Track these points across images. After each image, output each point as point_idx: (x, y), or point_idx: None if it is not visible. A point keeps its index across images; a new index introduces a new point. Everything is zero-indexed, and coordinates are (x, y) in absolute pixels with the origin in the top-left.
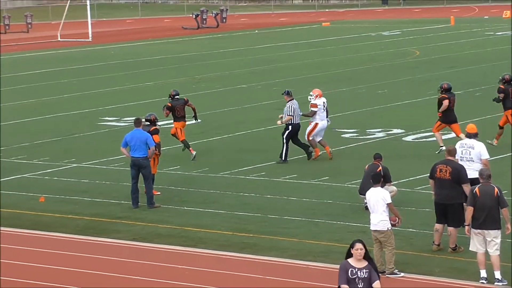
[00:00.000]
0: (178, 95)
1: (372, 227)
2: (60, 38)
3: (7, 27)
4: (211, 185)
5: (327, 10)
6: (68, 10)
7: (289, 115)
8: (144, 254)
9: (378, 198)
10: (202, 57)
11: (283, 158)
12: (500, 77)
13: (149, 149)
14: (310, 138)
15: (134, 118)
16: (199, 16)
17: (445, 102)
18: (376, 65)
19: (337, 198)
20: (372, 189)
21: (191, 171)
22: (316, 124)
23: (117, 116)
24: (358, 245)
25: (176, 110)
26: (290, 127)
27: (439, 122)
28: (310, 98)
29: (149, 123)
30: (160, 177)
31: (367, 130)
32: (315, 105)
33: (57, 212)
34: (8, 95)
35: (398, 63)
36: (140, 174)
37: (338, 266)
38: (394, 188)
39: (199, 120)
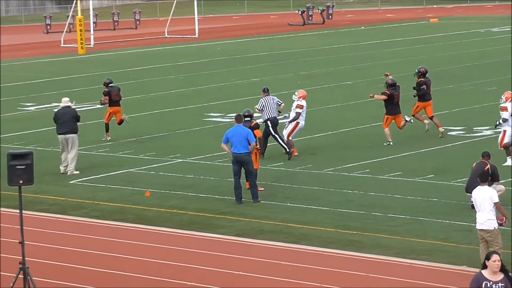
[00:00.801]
0: (111, 83)
1: (478, 226)
2: (168, 35)
3: (116, 23)
4: (315, 182)
5: (435, 6)
6: (176, 6)
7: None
8: (247, 249)
9: (485, 197)
10: (308, 54)
11: (287, 150)
12: (416, 70)
13: (250, 144)
14: (290, 138)
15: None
16: (305, 12)
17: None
18: (485, 61)
19: (442, 196)
20: (478, 187)
21: (295, 167)
22: (297, 123)
23: (222, 112)
24: (495, 257)
25: (112, 95)
26: (268, 122)
27: (386, 116)
28: (294, 98)
29: (249, 119)
30: (264, 173)
31: (474, 128)
32: (301, 106)
33: (162, 207)
34: None
35: (508, 60)
36: (243, 170)
37: (443, 265)
38: (502, 187)
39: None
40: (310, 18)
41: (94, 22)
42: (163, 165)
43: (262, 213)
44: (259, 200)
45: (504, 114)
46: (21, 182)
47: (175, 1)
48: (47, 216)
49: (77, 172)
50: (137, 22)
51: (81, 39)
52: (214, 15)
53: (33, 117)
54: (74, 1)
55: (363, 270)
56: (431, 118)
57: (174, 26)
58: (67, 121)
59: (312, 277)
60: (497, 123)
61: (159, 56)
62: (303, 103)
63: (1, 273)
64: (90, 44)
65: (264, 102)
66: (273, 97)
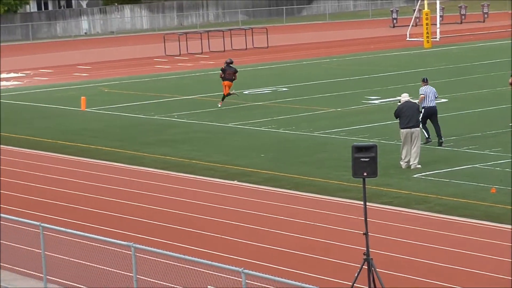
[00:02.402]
0: (231, 63)
1: None
2: None
3: (463, 17)
4: None
5: None
6: None
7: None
8: None
9: None
10: None
11: (426, 136)
12: None
13: None
14: None
15: None
16: None
17: None
18: None
19: None
20: None
21: None
22: None
23: None
24: None
25: (226, 73)
26: (422, 110)
27: None
28: None
29: None
30: None
31: None
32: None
33: (508, 204)
34: (458, 85)
35: None
36: None
37: None
38: None
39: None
40: None
41: (440, 16)
42: (510, 162)
43: None
44: None
45: None
46: (365, 174)
47: None
48: (390, 209)
49: (419, 166)
50: (485, 16)
51: (427, 33)
52: None
53: (377, 110)
54: None
55: None
56: None
57: None
58: (412, 115)
59: None
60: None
61: (507, 50)
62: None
63: (346, 263)
64: (435, 38)
65: (424, 91)
66: (432, 87)
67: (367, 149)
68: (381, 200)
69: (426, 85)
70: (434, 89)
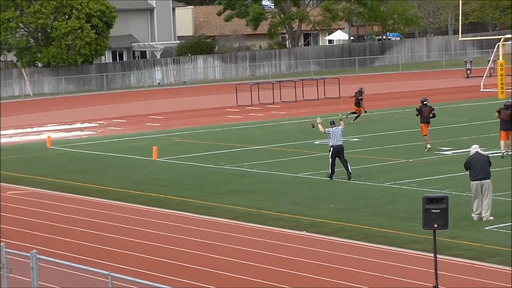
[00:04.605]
0: (425, 101)
1: None
2: None
3: None
4: None
5: None
6: None
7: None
8: None
9: None
10: None
11: (330, 174)
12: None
13: None
14: None
15: None
16: None
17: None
18: None
19: None
20: None
21: None
22: None
23: None
24: None
25: (424, 112)
26: (332, 148)
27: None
28: None
29: None
30: None
31: None
32: None
33: None
34: None
35: None
36: None
37: None
38: None
39: None
40: None
41: None
42: None
43: None
44: None
45: None
46: (435, 226)
47: None
48: (462, 261)
49: (492, 218)
50: None
51: (502, 83)
52: None
53: (450, 161)
54: (496, 46)
55: None
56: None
57: None
58: (482, 167)
59: None
60: None
61: None
62: None
63: None
64: (510, 89)
65: (332, 132)
66: (340, 127)
67: (438, 200)
68: (452, 252)
69: (334, 126)
70: (340, 128)
